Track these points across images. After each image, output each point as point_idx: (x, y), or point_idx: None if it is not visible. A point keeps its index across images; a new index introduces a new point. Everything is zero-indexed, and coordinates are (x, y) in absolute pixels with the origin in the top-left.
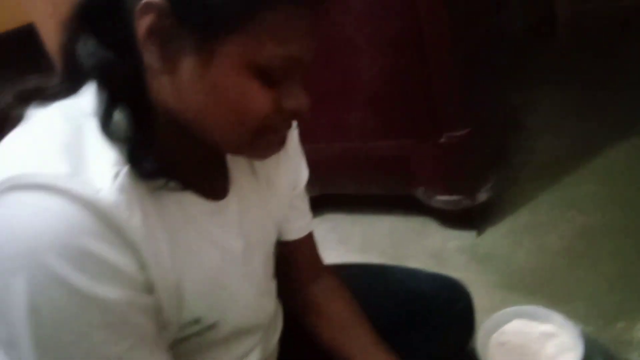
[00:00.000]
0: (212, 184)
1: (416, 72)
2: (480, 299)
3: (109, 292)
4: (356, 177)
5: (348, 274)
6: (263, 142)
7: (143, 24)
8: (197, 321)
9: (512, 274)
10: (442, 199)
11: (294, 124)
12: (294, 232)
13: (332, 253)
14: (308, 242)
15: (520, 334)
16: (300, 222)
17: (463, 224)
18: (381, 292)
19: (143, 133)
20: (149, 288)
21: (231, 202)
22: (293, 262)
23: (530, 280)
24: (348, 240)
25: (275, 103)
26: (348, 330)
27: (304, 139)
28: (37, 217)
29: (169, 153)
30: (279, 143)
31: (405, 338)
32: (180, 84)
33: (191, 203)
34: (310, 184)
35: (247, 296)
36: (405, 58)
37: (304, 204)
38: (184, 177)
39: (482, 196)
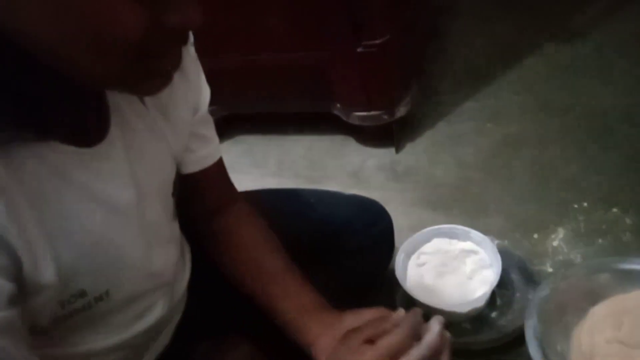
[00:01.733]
0: (83, 126)
1: None
2: (399, 218)
3: None
4: (268, 93)
5: (261, 200)
6: (143, 72)
7: None
8: (81, 294)
9: (431, 190)
10: (360, 115)
11: (191, 38)
12: (199, 163)
13: (245, 177)
14: (217, 171)
15: (439, 253)
16: (205, 150)
17: (381, 141)
18: (295, 218)
19: None
20: (13, 297)
21: (114, 144)
22: (200, 194)
23: (449, 196)
24: (262, 163)
25: (152, 18)
26: (258, 259)
27: (206, 51)
28: None
29: (17, 94)
30: (167, 72)
31: (322, 263)
32: (26, 6)
33: (57, 155)
34: (217, 103)
35: (141, 255)
36: None
37: (208, 130)
38: (42, 123)
39: (402, 110)
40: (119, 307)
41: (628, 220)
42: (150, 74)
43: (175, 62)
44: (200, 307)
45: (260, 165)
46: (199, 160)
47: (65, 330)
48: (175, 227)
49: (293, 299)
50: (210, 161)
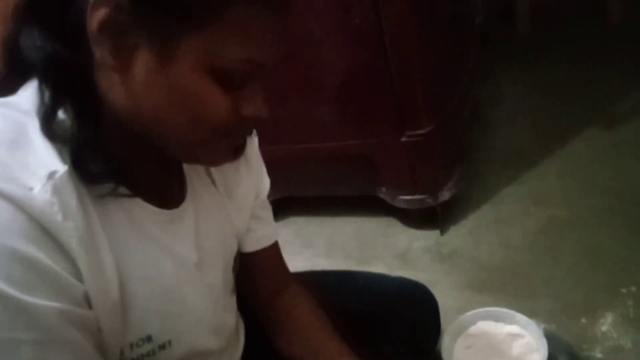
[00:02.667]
0: (166, 191)
1: (379, 68)
2: (445, 300)
3: (39, 299)
4: (319, 178)
5: (313, 281)
6: (219, 148)
7: (96, 17)
8: (148, 339)
9: (476, 272)
10: (405, 198)
11: (254, 131)
12: (257, 243)
13: (297, 257)
14: (273, 252)
15: (485, 336)
16: (263, 231)
17: (427, 223)
18: (346, 298)
19: (88, 133)
20: (86, 301)
21: (187, 211)
22: (258, 273)
23: (495, 278)
24: (313, 244)
25: (234, 109)
26: (314, 340)
27: (265, 140)
28: None
29: (117, 156)
30: (236, 150)
31: (371, 344)
32: (133, 83)
33: (141, 211)
34: (273, 187)
35: (203, 311)
36: (367, 53)
37: (266, 213)
38: (133, 183)
39: (445, 194)
40: None
41: None
42: (223, 150)
43: (242, 144)
44: None
45: (310, 246)
46: (258, 239)
47: None
48: (233, 300)
49: None
50: (268, 242)
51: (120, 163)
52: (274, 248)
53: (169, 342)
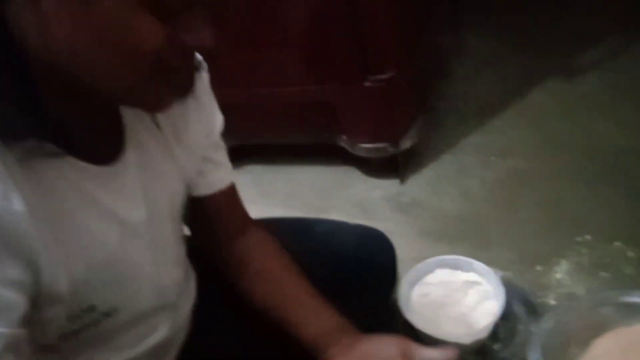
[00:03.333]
0: (101, 145)
1: (342, 8)
2: (404, 249)
3: None
4: (276, 125)
5: (270, 229)
6: (163, 88)
7: None
8: (91, 309)
9: (435, 221)
10: (366, 147)
11: (204, 66)
12: (211, 186)
13: (253, 207)
14: (229, 195)
15: (442, 284)
16: (216, 174)
17: (387, 173)
18: (304, 247)
19: (4, 83)
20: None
21: (129, 164)
22: (214, 217)
23: (453, 228)
24: (269, 193)
25: (172, 37)
26: (280, 280)
27: (219, 83)
28: None
29: (40, 108)
30: (183, 89)
31: (328, 291)
32: (47, 19)
33: (74, 170)
34: (227, 133)
35: (150, 273)
36: None
37: (219, 155)
38: (62, 139)
39: (407, 143)
40: (125, 326)
41: (630, 254)
42: (164, 90)
43: (188, 82)
44: (206, 334)
45: (267, 195)
46: (211, 182)
47: (72, 348)
48: (182, 251)
49: (313, 320)
50: (221, 185)
51: (44, 115)
52: (231, 191)
53: (115, 309)
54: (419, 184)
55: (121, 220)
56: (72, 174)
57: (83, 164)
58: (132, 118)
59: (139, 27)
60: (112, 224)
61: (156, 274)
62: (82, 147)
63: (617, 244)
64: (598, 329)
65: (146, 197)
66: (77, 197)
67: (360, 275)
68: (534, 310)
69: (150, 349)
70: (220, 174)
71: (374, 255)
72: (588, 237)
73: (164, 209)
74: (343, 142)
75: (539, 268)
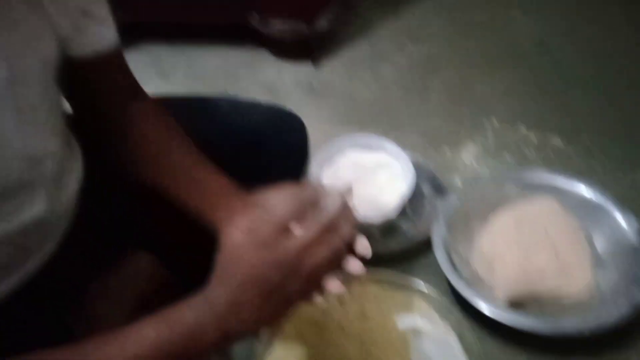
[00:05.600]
0: None
1: None
2: (315, 133)
3: None
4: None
5: (169, 106)
6: None
7: None
8: None
9: (347, 106)
10: (278, 26)
11: None
12: (90, 45)
13: (151, 89)
14: (114, 56)
15: (352, 165)
16: (96, 29)
17: (299, 56)
18: (207, 125)
19: None
20: None
21: None
22: (96, 82)
23: (366, 113)
24: (170, 75)
25: None
26: (165, 149)
27: None
28: None
29: None
30: None
31: (234, 173)
32: None
33: None
34: (121, 8)
35: (14, 140)
36: None
37: (99, 9)
38: None
39: (321, 25)
40: None
41: (532, 138)
42: None
43: None
44: (96, 218)
45: (167, 77)
46: (89, 42)
47: None
48: (59, 120)
49: (199, 186)
50: (104, 44)
51: None
52: (115, 54)
53: None
54: (332, 69)
55: None
56: None
57: None
58: None
59: None
60: None
61: (21, 140)
62: None
63: (522, 128)
64: (499, 205)
65: (8, 51)
66: None
67: (269, 154)
68: (440, 190)
69: (26, 227)
70: (100, 31)
71: (284, 133)
72: (494, 119)
73: (29, 69)
74: (254, 20)
75: (447, 150)
